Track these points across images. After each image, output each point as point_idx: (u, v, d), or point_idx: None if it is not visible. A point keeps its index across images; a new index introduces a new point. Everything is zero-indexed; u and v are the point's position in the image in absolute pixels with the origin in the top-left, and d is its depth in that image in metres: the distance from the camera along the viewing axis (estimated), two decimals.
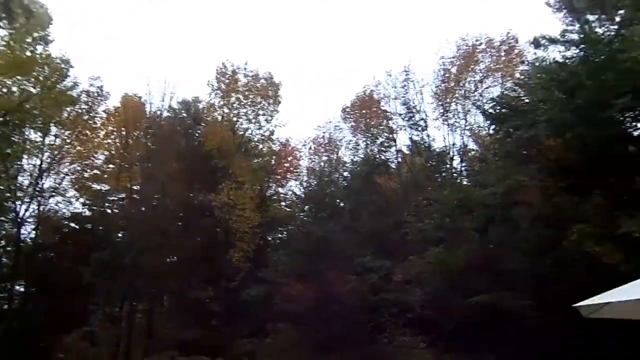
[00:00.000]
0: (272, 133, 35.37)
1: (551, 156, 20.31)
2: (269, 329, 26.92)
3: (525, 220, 20.90)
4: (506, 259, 20.90)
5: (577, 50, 20.58)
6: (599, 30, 21.95)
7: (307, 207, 33.70)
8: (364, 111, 35.34)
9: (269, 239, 35.35)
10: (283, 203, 37.51)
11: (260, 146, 36.34)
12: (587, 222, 18.65)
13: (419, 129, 31.97)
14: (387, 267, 25.89)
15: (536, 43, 26.17)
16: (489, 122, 23.89)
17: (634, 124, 19.63)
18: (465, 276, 21.76)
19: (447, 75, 30.87)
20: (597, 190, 19.58)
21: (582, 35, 20.85)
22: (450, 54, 30.52)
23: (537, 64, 22.05)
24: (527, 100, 21.04)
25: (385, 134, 34.29)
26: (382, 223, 28.96)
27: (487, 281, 20.91)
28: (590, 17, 24.82)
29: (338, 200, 33.59)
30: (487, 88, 29.40)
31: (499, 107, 22.40)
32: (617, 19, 22.75)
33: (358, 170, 33.60)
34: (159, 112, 33.68)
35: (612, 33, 20.60)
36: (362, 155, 34.41)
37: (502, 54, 29.75)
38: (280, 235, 36.02)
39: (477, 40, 30.03)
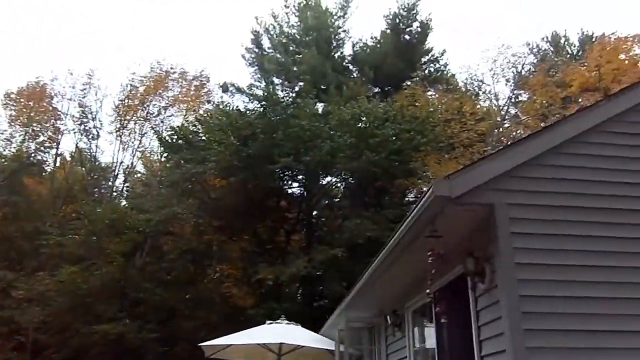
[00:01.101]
0: None
1: (213, 195, 20.81)
2: None
3: (174, 252, 20.71)
4: (145, 288, 20.21)
5: (259, 105, 21.98)
6: (280, 94, 24.04)
7: None
8: (30, 103, 31.23)
9: None
10: None
11: None
12: (230, 263, 19.37)
13: (90, 137, 29.70)
14: (7, 280, 22.43)
15: (225, 88, 27.39)
16: (162, 149, 23.44)
17: (289, 182, 21.62)
18: (98, 301, 20.25)
19: (133, 92, 29.65)
20: (246, 235, 20.69)
21: (265, 94, 22.40)
22: (142, 73, 29.51)
23: (221, 106, 22.80)
24: (203, 138, 21.33)
25: (49, 134, 30.82)
26: (17, 229, 25.40)
27: (120, 309, 19.82)
28: (276, 80, 27.26)
29: None
30: (169, 116, 29.13)
31: (176, 137, 22.21)
32: (297, 89, 25.39)
33: (5, 164, 29.18)
34: None
35: (290, 99, 22.69)
36: (14, 150, 30.07)
37: (192, 88, 30.06)
38: None
39: (171, 68, 29.78)
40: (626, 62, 21.03)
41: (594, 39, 26.43)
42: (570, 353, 4.45)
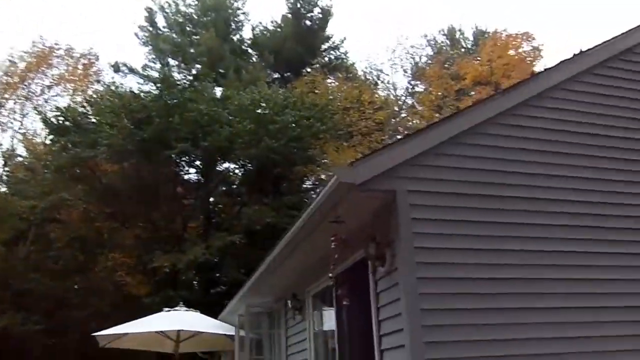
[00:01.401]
0: None
1: (104, 180, 19.87)
2: None
3: (61, 240, 19.59)
4: (31, 278, 19.00)
5: (154, 87, 21.18)
6: (177, 76, 23.31)
7: None
8: None
9: None
10: None
11: None
12: (123, 251, 18.64)
13: None
14: None
15: (116, 68, 26.14)
16: (48, 131, 21.91)
17: (186, 168, 21.10)
18: None
19: (12, 68, 27.41)
20: (140, 222, 19.97)
21: (161, 75, 21.62)
22: (23, 48, 27.40)
23: (112, 87, 21.68)
24: (94, 120, 20.21)
25: None
26: None
27: (2, 300, 18.50)
28: (172, 62, 26.37)
29: None
30: (54, 96, 27.25)
31: (62, 119, 20.85)
32: (194, 71, 24.74)
33: None
34: None
35: (187, 82, 22.07)
36: None
37: (80, 67, 28.25)
38: None
39: (56, 44, 27.82)
40: (515, 57, 22.49)
41: (486, 35, 27.88)
42: (464, 330, 4.73)
